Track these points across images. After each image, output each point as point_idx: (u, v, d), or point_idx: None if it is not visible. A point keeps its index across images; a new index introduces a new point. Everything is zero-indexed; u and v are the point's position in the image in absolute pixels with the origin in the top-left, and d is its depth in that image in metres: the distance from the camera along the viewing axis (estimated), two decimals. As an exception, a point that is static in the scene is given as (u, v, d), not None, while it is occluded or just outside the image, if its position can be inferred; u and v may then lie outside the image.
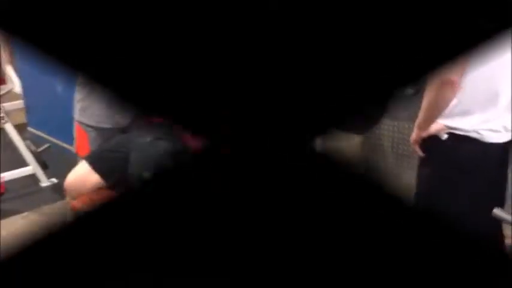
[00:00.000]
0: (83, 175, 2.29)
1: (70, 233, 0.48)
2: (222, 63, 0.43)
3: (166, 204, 0.49)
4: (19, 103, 5.14)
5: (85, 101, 2.47)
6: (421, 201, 1.84)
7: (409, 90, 1.91)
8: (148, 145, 2.25)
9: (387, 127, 2.99)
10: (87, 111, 2.47)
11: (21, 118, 5.05)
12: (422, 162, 1.92)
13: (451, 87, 1.65)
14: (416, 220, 0.53)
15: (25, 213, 3.23)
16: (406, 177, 2.94)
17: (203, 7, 0.40)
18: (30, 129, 4.86)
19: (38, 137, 4.61)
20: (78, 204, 2.22)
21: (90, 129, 2.49)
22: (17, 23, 0.43)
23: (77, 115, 2.52)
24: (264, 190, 0.48)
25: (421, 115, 1.81)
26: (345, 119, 0.52)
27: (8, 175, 3.49)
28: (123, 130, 2.50)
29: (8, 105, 5.54)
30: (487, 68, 1.60)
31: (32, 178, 3.54)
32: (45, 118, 4.44)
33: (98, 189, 2.27)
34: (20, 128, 4.91)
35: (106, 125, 2.47)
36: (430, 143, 1.84)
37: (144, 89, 0.46)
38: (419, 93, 1.90)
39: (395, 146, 2.99)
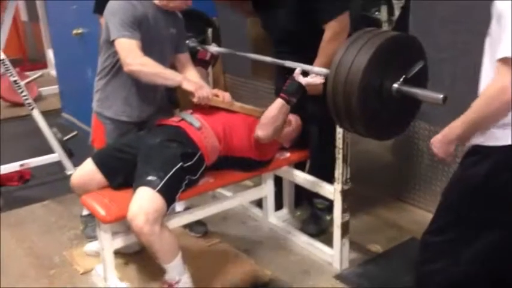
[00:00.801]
0: (88, 174, 2.22)
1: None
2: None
3: None
4: (56, 88, 5.19)
5: (104, 91, 2.40)
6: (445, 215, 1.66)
7: (439, 96, 1.73)
8: (158, 146, 2.15)
9: (422, 131, 2.80)
10: (106, 102, 2.40)
11: (58, 103, 5.11)
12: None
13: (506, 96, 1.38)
14: None
15: (46, 202, 3.21)
16: (438, 183, 2.76)
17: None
18: (64, 115, 4.90)
19: (72, 123, 4.64)
20: (86, 199, 2.15)
21: (108, 121, 2.42)
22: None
23: (94, 105, 2.46)
24: None
25: (461, 123, 1.52)
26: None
27: (34, 161, 3.50)
28: (140, 126, 2.42)
29: (44, 90, 5.64)
30: None
31: (59, 165, 3.53)
32: (77, 104, 4.44)
33: (104, 188, 2.20)
34: (57, 113, 4.99)
35: (124, 118, 2.40)
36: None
37: None
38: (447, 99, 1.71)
39: (431, 151, 2.79)
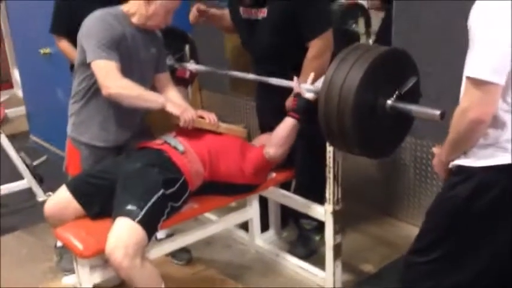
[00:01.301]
0: (62, 202, 2.06)
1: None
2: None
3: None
4: (23, 109, 4.97)
5: (79, 115, 2.26)
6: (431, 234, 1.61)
7: (436, 113, 1.67)
8: (138, 172, 2.02)
9: (408, 145, 2.75)
10: (81, 126, 2.26)
11: (26, 125, 4.88)
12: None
13: (479, 122, 1.37)
14: None
15: (16, 232, 3.02)
16: (426, 198, 2.71)
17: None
18: (32, 137, 4.69)
19: (41, 146, 4.44)
20: (61, 232, 2.00)
21: (83, 146, 2.27)
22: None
23: (69, 130, 2.31)
24: None
25: (445, 143, 1.52)
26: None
27: (2, 189, 3.30)
28: (118, 151, 2.28)
29: (11, 112, 5.41)
30: None
31: (29, 192, 3.35)
32: (47, 126, 4.25)
33: (79, 218, 2.05)
34: (25, 136, 4.77)
35: (100, 143, 2.26)
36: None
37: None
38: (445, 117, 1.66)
39: (417, 165, 2.75)
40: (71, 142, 2.31)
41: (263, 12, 2.30)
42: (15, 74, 5.84)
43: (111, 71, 2.03)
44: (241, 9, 2.41)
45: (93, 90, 2.17)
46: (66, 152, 2.37)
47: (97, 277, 2.05)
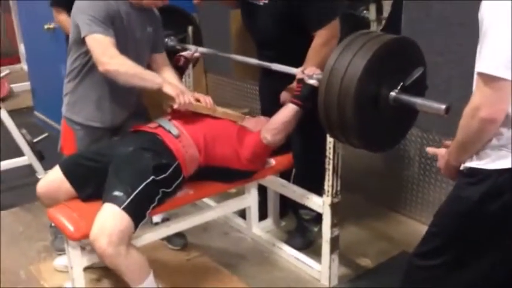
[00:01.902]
0: (55, 182, 2.02)
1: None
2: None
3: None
4: (29, 84, 4.93)
5: (73, 94, 2.21)
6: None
7: (441, 107, 1.59)
8: (129, 157, 1.97)
9: (414, 138, 2.67)
10: (75, 106, 2.21)
11: (31, 100, 4.85)
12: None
13: (491, 121, 1.28)
14: None
15: (14, 209, 3.00)
16: (430, 193, 2.64)
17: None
18: (36, 113, 4.66)
19: (44, 122, 4.41)
20: (53, 213, 1.96)
21: (78, 127, 2.22)
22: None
23: (64, 109, 2.26)
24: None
25: (453, 145, 1.44)
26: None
27: (3, 165, 3.28)
28: (114, 132, 2.23)
29: (17, 86, 5.38)
30: None
31: (29, 169, 3.32)
32: (50, 103, 4.21)
33: (72, 199, 2.01)
34: (29, 111, 4.75)
35: (95, 124, 2.21)
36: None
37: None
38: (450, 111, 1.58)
39: (423, 159, 2.67)
40: (66, 122, 2.27)
41: None
42: (22, 49, 5.81)
43: (108, 47, 1.97)
44: None
45: (87, 68, 2.11)
46: (61, 132, 2.33)
47: (88, 260, 2.02)
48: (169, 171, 1.96)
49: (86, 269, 2.05)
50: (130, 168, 1.91)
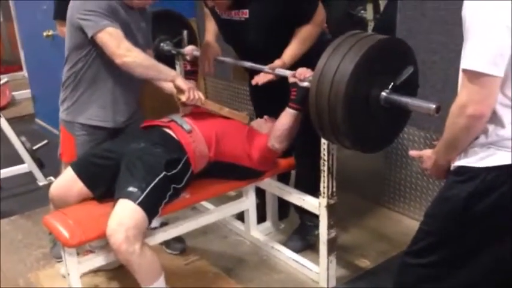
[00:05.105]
0: (67, 183, 2.03)
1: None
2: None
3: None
4: (29, 91, 4.95)
5: (74, 98, 2.19)
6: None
7: (431, 106, 1.58)
8: (141, 153, 1.98)
9: (411, 136, 2.65)
10: (76, 109, 2.20)
11: (32, 108, 4.86)
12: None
13: (478, 117, 1.28)
14: None
15: (13, 217, 3.01)
16: (429, 192, 2.62)
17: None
18: (37, 120, 4.68)
19: (45, 129, 4.42)
20: (49, 220, 1.96)
21: (78, 131, 2.21)
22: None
23: (62, 115, 2.25)
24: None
25: (441, 144, 1.43)
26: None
27: (3, 173, 3.29)
28: (114, 134, 2.23)
29: (18, 94, 5.40)
30: None
31: (30, 176, 3.33)
32: (51, 110, 4.21)
33: (84, 199, 2.02)
34: (30, 119, 4.76)
35: (98, 123, 2.20)
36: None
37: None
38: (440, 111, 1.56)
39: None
40: (65, 127, 2.27)
41: (244, 14, 2.16)
42: (23, 56, 5.83)
43: (122, 39, 1.99)
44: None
45: (88, 69, 2.13)
46: (60, 138, 2.33)
47: (85, 267, 2.03)
48: (180, 166, 1.99)
49: (94, 272, 2.09)
50: (143, 164, 1.93)
